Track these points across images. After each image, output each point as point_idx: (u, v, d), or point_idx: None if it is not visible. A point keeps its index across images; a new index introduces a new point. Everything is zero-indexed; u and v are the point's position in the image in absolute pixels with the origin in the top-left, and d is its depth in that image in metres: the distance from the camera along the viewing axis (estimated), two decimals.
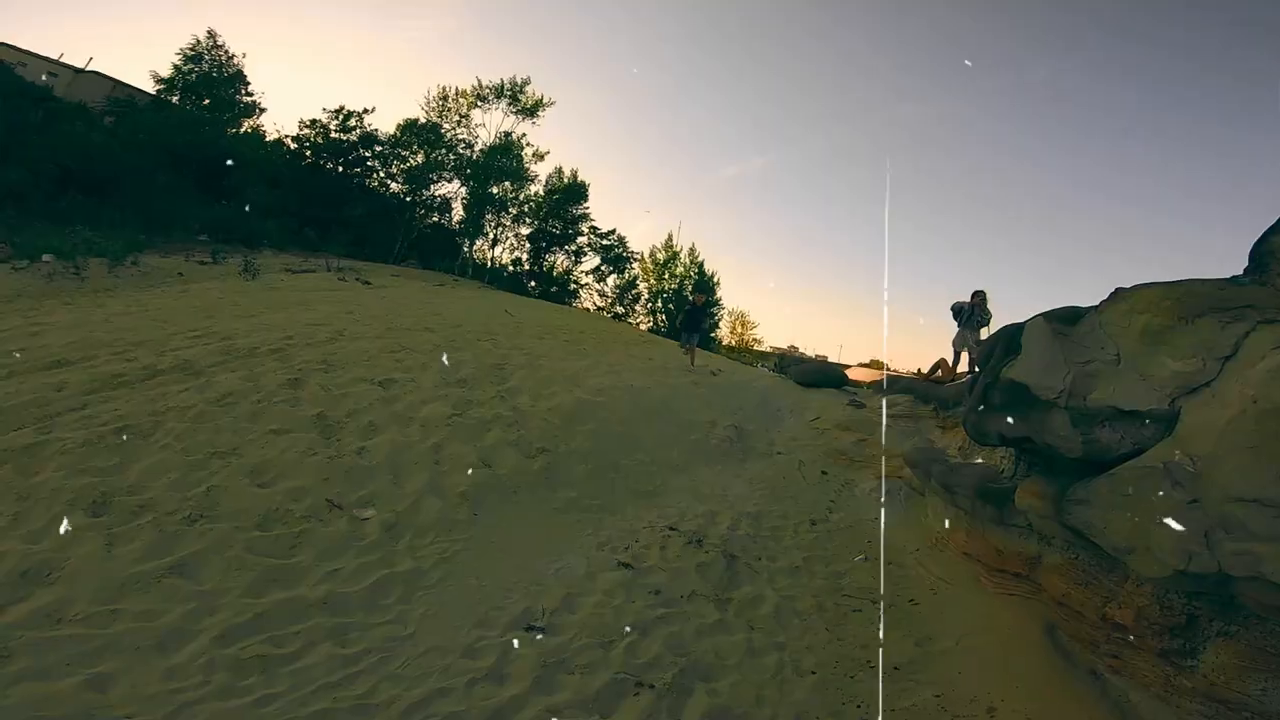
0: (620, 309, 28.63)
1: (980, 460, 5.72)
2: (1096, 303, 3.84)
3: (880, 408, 9.52)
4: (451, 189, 27.00)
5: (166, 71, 23.67)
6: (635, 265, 29.26)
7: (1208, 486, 2.84)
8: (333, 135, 25.07)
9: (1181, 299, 3.31)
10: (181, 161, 20.05)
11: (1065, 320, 3.98)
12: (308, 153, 25.36)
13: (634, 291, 29.20)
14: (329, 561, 4.14)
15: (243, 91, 25.22)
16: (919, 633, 4.37)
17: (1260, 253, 3.39)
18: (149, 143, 19.51)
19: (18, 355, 6.36)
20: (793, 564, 5.16)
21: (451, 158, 26.13)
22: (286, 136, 25.70)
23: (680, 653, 3.85)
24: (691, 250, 30.09)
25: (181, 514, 4.22)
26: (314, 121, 25.14)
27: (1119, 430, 3.36)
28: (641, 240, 53.37)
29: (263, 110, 25.94)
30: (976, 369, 9.52)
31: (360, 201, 25.00)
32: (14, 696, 2.79)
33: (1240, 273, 3.49)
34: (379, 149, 25.68)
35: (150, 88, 23.87)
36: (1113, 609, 3.52)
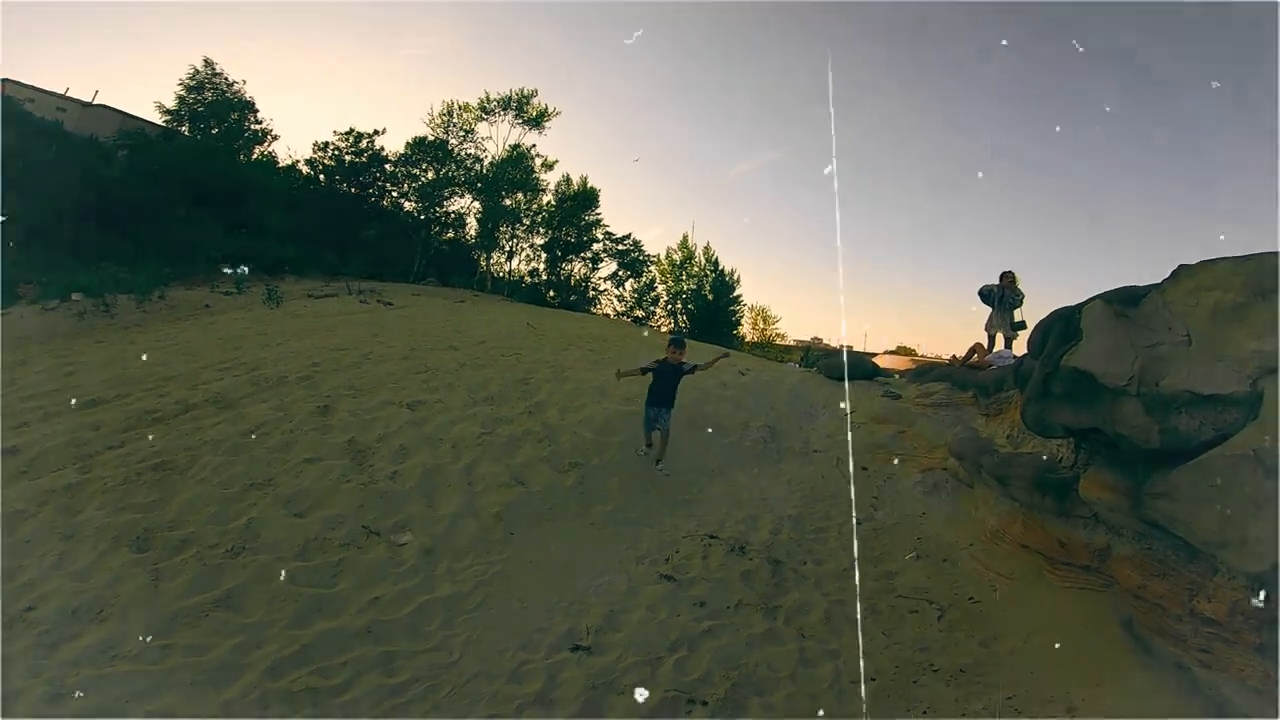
0: (640, 312, 28.59)
1: (1032, 449, 5.49)
2: (1155, 283, 3.62)
3: (915, 397, 9.29)
4: (464, 204, 27.00)
5: (171, 103, 24.04)
6: (652, 268, 29.12)
7: None
8: (345, 157, 25.30)
9: (1254, 273, 3.12)
10: (198, 191, 20.30)
11: (1126, 301, 3.77)
12: (321, 177, 25.63)
13: (653, 294, 29.01)
14: (370, 589, 4.10)
15: (251, 119, 25.57)
16: (983, 632, 4.17)
17: None
18: (165, 174, 19.72)
19: (73, 403, 6.45)
20: (840, 567, 5.00)
21: (461, 173, 26.11)
22: (300, 160, 26.04)
23: (731, 666, 3.74)
24: (706, 249, 29.81)
25: (223, 547, 4.24)
26: (326, 144, 25.42)
27: (1198, 416, 3.15)
28: (656, 243, 53.57)
29: (275, 137, 26.30)
30: (1013, 353, 9.29)
31: (376, 222, 25.20)
32: None
33: None
34: (390, 168, 25.80)
35: (158, 119, 24.21)
36: (1201, 602, 3.28)
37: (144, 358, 8.11)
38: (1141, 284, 3.83)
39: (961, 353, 10.39)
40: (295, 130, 61.54)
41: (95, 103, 25.69)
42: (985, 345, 9.96)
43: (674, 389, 6.44)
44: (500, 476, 5.61)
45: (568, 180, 27.83)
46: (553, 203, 27.45)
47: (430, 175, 25.88)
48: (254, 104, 25.40)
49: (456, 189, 26.27)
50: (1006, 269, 9.84)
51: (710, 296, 28.81)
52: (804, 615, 4.35)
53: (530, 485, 5.62)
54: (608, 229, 28.10)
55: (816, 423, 8.46)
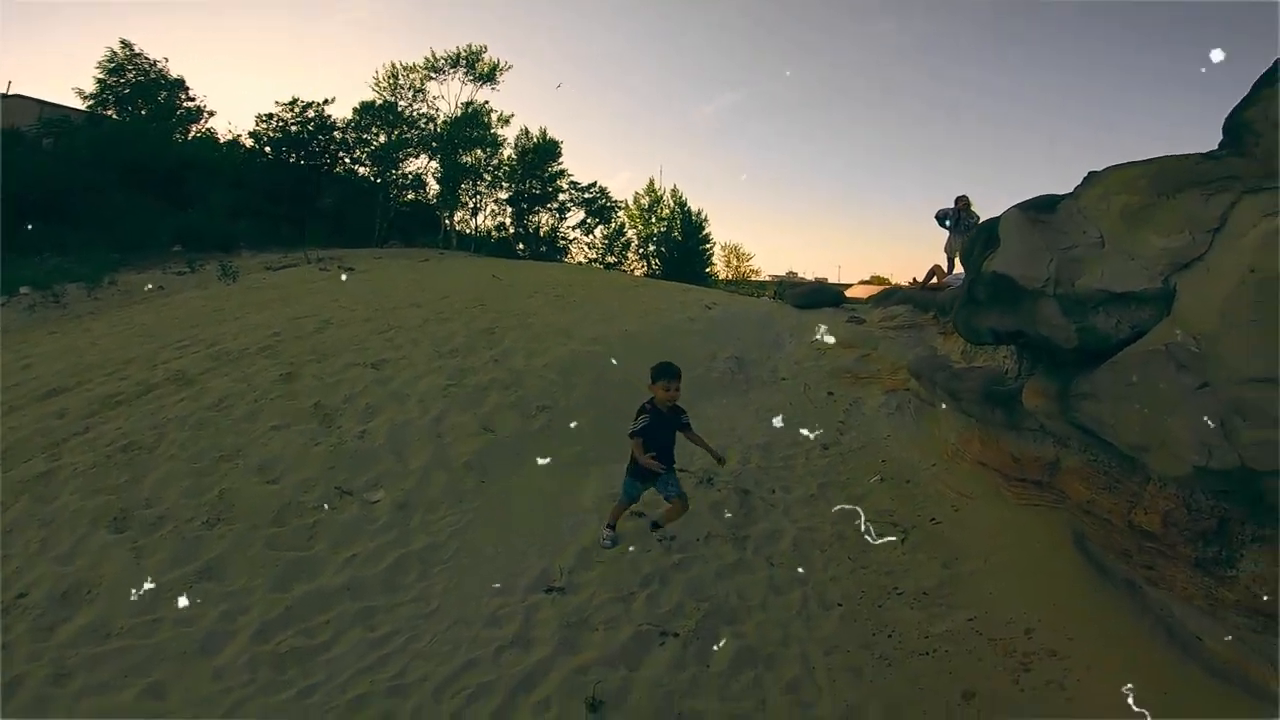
0: (612, 258, 28.92)
1: (984, 364, 5.62)
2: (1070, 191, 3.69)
3: (879, 321, 9.41)
4: (422, 164, 26.57)
5: (91, 87, 23.02)
6: (620, 213, 29.56)
7: (1215, 368, 2.68)
8: (291, 128, 24.42)
9: (1158, 176, 3.17)
10: (136, 174, 19.56)
11: (1041, 208, 3.83)
12: (268, 149, 24.77)
13: (623, 239, 29.59)
14: (346, 548, 4.18)
15: (183, 97, 24.65)
16: (945, 554, 4.27)
17: (1235, 125, 3.21)
18: (97, 159, 19.00)
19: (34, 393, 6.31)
20: (808, 493, 5.12)
21: (415, 133, 25.62)
22: (243, 134, 25.18)
23: (701, 598, 3.85)
24: (674, 191, 30.45)
25: (200, 520, 4.29)
26: (270, 116, 24.48)
27: (1114, 314, 3.22)
28: (623, 189, 53.53)
29: (211, 113, 25.47)
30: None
31: (331, 190, 24.57)
32: (81, 712, 2.93)
33: (1216, 148, 3.32)
34: (339, 135, 25.13)
35: (80, 104, 23.25)
36: (1138, 514, 3.36)
37: (98, 344, 7.95)
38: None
39: (923, 276, 10.55)
40: (240, 107, 58.91)
41: (10, 93, 24.33)
42: (944, 267, 10.12)
43: (671, 445, 4.36)
44: (469, 426, 5.66)
45: (527, 133, 27.79)
46: (514, 157, 27.36)
47: (382, 139, 25.32)
48: (184, 81, 24.65)
49: (411, 150, 25.82)
50: (961, 194, 10.11)
51: (680, 237, 29.33)
52: (773, 544, 4.45)
53: (499, 432, 5.67)
54: (573, 178, 28.30)
55: (784, 351, 8.54)
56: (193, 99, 25.10)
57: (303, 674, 3.22)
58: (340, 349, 7.05)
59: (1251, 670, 2.87)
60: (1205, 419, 2.68)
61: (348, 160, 25.88)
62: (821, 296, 12.08)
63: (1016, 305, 3.78)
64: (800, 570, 4.17)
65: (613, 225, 29.22)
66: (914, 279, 11.31)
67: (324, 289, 10.84)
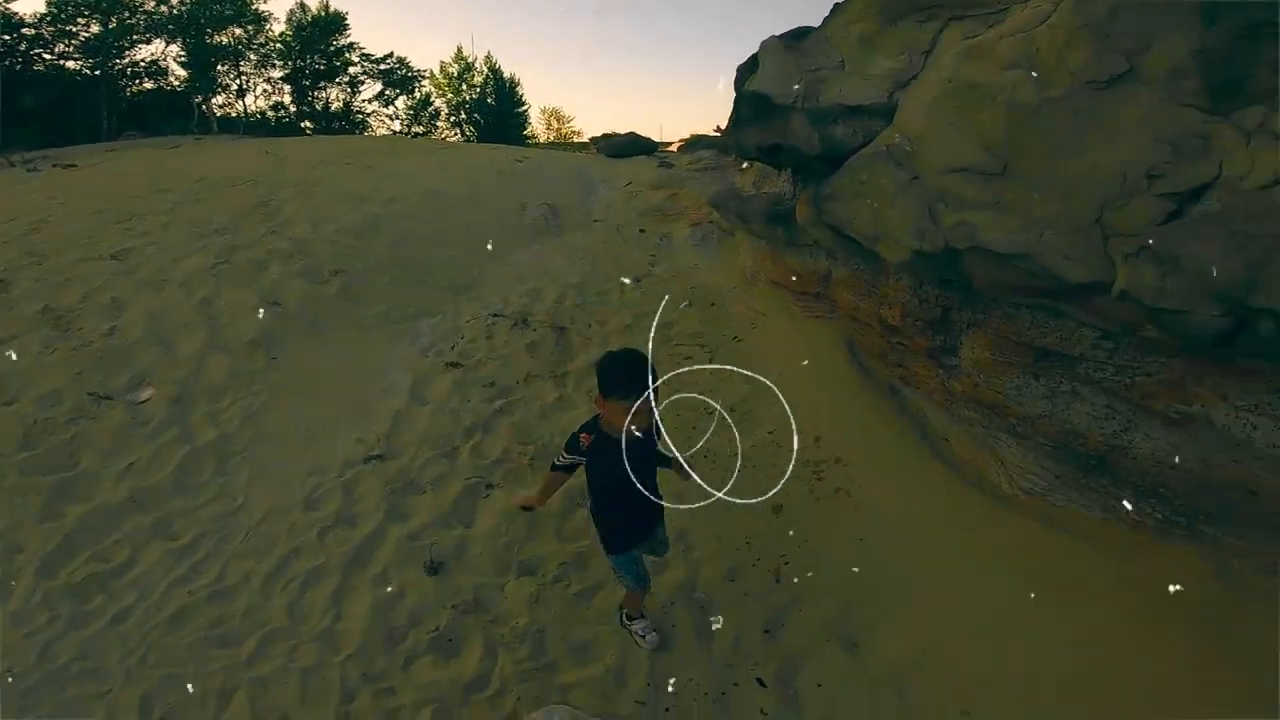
0: (419, 128, 27.80)
1: (769, 190, 5.95)
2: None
3: (686, 164, 9.78)
4: (157, 50, 22.86)
5: None
6: (425, 83, 28.39)
7: (923, 163, 3.01)
8: None
9: (887, 6, 3.48)
10: None
11: (795, 36, 4.19)
12: None
13: (430, 109, 28.53)
14: (119, 458, 3.66)
15: None
16: (745, 369, 4.49)
17: None
18: None
19: None
20: (623, 324, 5.25)
21: (141, 18, 21.85)
22: None
23: (527, 440, 3.84)
24: (487, 58, 29.71)
25: None
26: None
27: (850, 125, 3.58)
28: (427, 59, 48.92)
29: None
30: None
31: (33, 90, 19.78)
32: None
33: None
34: (31, 31, 20.54)
35: None
36: (885, 310, 3.80)
37: None
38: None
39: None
40: None
41: None
42: None
43: (654, 480, 2.49)
44: (248, 302, 5.03)
45: (303, 7, 25.46)
46: (289, 33, 25.09)
47: (95, 29, 21.20)
48: None
49: (140, 36, 22.22)
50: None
51: (494, 103, 28.64)
52: (592, 378, 4.49)
53: (287, 304, 5.11)
54: (365, 50, 26.76)
55: (597, 195, 8.66)
56: None
57: (110, 599, 2.88)
58: (65, 246, 5.82)
59: (985, 469, 3.37)
60: (917, 207, 3.04)
61: (47, 56, 21.29)
62: (635, 146, 12.24)
63: (772, 120, 4.08)
64: None
65: (417, 95, 28.08)
66: (717, 126, 11.68)
67: (35, 189, 8.72)
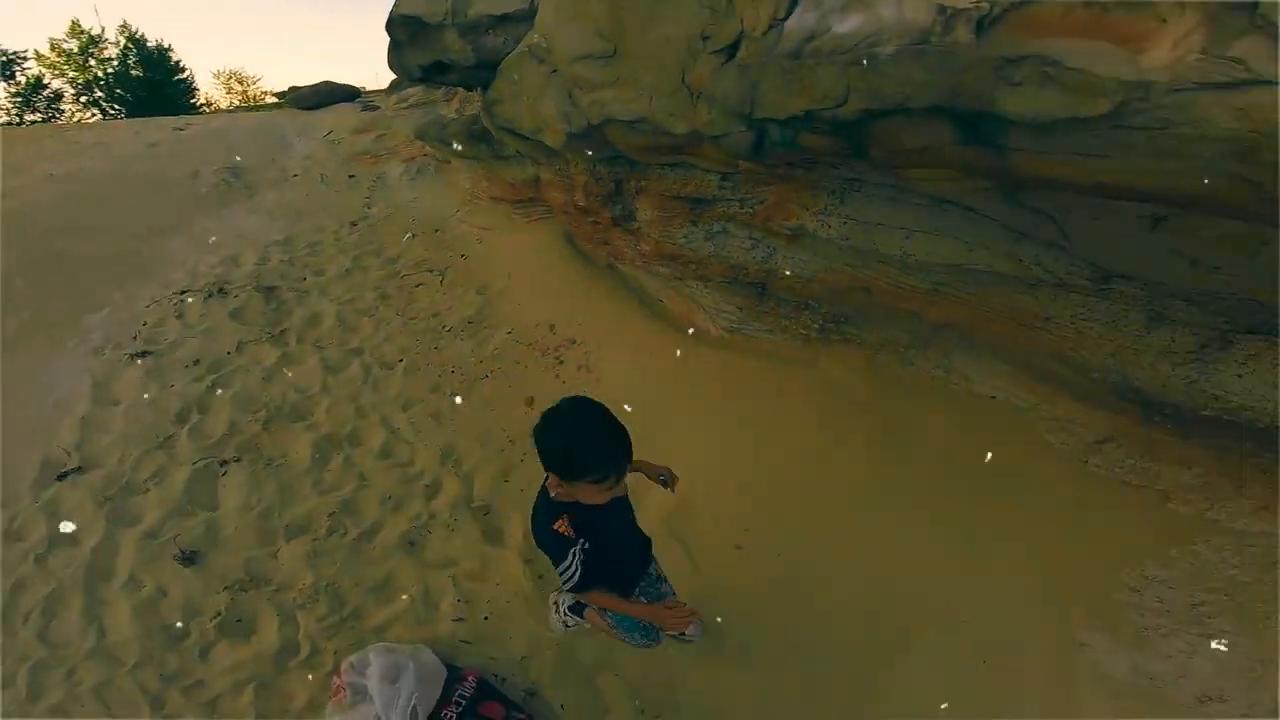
0: (35, 116, 22.75)
1: (470, 113, 5.94)
2: None
3: (393, 104, 9.28)
4: None
5: None
6: (32, 63, 23.34)
7: (557, 56, 3.24)
8: None
9: None
10: None
11: None
12: None
13: (46, 92, 23.60)
14: None
15: None
16: (477, 282, 4.65)
17: None
18: None
19: None
20: (343, 269, 5.06)
21: None
22: None
23: (254, 409, 3.62)
24: (123, 27, 24.92)
25: None
26: None
27: (500, 34, 3.76)
28: (32, 36, 38.80)
29: None
30: None
31: None
32: None
33: None
34: None
35: None
36: (577, 195, 4.05)
37: None
38: None
39: None
40: None
41: None
42: None
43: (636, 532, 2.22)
44: None
45: None
46: None
47: None
48: None
49: None
50: None
51: (140, 74, 24.47)
52: (316, 327, 4.35)
53: None
54: None
55: (293, 150, 7.91)
56: None
57: None
58: None
59: (694, 318, 3.73)
60: (560, 94, 3.28)
61: None
62: (333, 96, 11.28)
63: (428, 39, 4.16)
64: (353, 343, 4.18)
65: (25, 79, 23.06)
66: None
67: None
